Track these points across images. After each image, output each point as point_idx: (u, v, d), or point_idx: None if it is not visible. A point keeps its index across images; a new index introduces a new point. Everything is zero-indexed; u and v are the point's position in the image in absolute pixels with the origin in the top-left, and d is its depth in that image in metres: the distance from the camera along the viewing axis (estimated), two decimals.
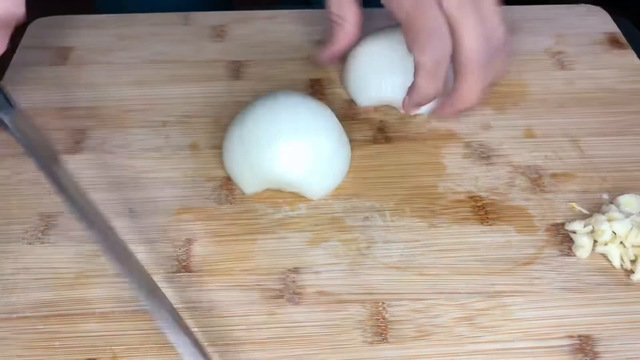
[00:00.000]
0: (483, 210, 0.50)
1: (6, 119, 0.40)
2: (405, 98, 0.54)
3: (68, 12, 0.69)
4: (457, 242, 0.48)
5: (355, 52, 0.58)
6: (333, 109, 0.52)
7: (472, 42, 0.49)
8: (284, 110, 0.50)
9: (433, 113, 0.57)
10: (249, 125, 0.50)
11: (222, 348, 0.42)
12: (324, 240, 0.48)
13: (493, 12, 0.50)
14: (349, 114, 0.58)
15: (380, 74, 0.56)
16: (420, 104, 0.54)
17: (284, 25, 0.68)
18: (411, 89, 0.53)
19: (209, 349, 0.42)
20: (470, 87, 0.51)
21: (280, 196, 0.51)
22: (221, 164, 0.53)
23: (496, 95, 0.60)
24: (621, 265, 0.47)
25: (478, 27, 0.49)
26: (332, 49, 0.59)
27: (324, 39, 0.61)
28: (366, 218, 0.50)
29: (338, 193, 0.51)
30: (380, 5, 0.51)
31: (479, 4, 0.50)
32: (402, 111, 0.57)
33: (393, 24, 0.54)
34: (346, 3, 0.57)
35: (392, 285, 0.45)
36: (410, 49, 0.51)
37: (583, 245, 0.47)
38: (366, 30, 0.58)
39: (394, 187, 0.52)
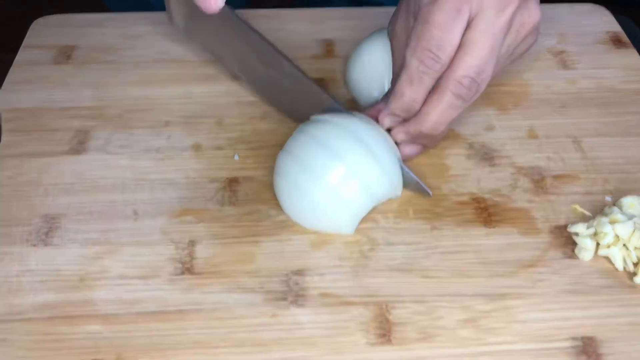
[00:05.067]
0: (486, 212, 0.50)
1: None
2: (381, 107, 0.51)
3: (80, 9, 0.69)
4: (460, 244, 0.48)
5: (359, 52, 0.58)
6: None
7: (471, 70, 0.46)
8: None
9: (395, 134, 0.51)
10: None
11: (225, 350, 0.42)
12: (327, 243, 0.48)
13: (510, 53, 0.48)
14: None
15: (383, 74, 0.56)
16: (395, 114, 0.50)
17: (285, 25, 0.67)
18: (390, 96, 0.50)
19: (213, 351, 0.42)
20: (442, 113, 0.48)
21: None
22: (222, 164, 0.53)
23: (498, 96, 0.60)
24: (624, 267, 0.47)
25: (489, 58, 0.46)
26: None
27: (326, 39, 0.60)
28: (369, 220, 0.50)
29: None
30: (381, 5, 0.50)
31: (514, 36, 0.47)
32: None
33: None
34: None
35: (395, 287, 0.45)
36: (406, 45, 0.47)
37: (586, 248, 0.47)
38: (368, 30, 0.58)
39: None
